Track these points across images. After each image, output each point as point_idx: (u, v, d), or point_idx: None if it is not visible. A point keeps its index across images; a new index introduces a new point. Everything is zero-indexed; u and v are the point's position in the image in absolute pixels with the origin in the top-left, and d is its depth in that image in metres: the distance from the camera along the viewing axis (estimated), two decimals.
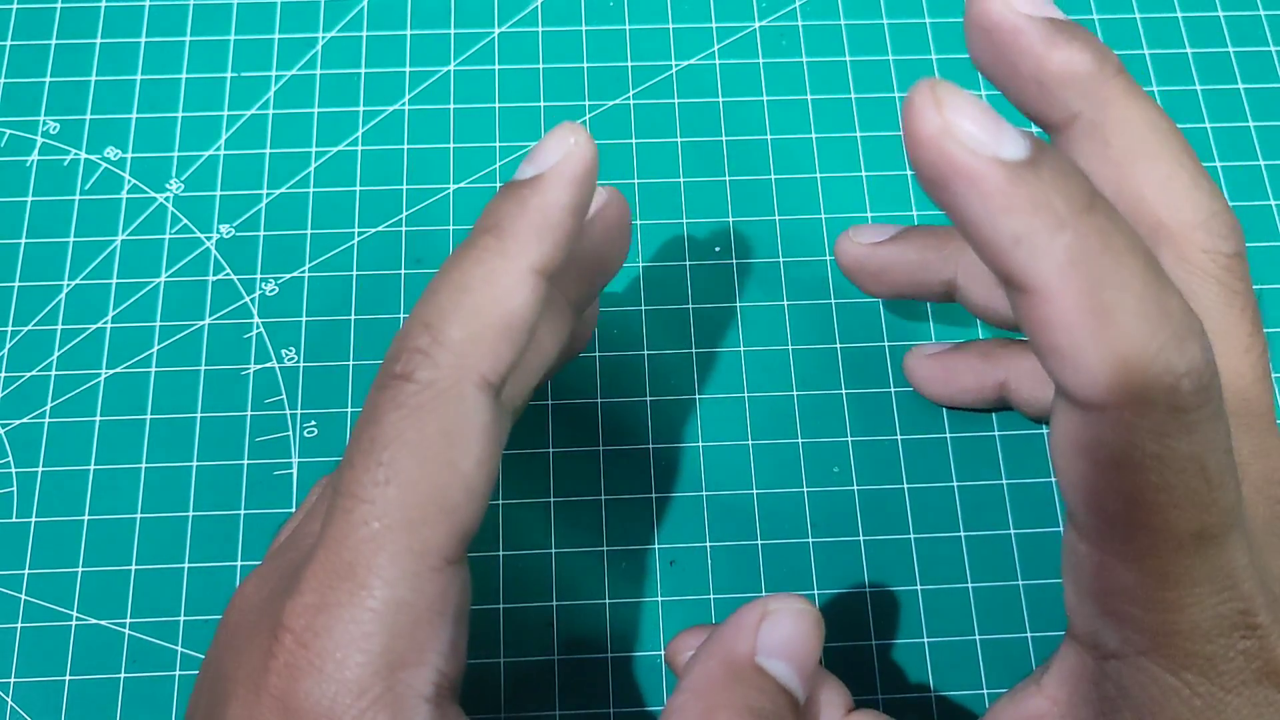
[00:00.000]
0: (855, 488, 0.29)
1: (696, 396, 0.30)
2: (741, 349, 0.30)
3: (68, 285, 0.31)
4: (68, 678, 0.27)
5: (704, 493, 0.29)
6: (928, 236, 0.27)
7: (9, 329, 0.30)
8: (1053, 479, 0.29)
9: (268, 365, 0.30)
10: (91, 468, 0.29)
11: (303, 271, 0.31)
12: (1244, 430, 0.21)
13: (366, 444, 0.19)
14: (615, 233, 0.23)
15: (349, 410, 0.29)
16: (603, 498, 0.29)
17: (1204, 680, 0.18)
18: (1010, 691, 0.21)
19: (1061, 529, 0.28)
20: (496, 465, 0.20)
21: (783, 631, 0.21)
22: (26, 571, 0.28)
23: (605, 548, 0.28)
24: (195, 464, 0.29)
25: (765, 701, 0.20)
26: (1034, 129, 0.25)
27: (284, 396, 0.30)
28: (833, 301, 0.31)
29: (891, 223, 0.30)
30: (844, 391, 0.30)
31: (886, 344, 0.30)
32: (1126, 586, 0.18)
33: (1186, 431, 0.16)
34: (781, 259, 0.31)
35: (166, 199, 0.32)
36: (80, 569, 0.28)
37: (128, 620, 0.27)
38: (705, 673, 0.20)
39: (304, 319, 0.30)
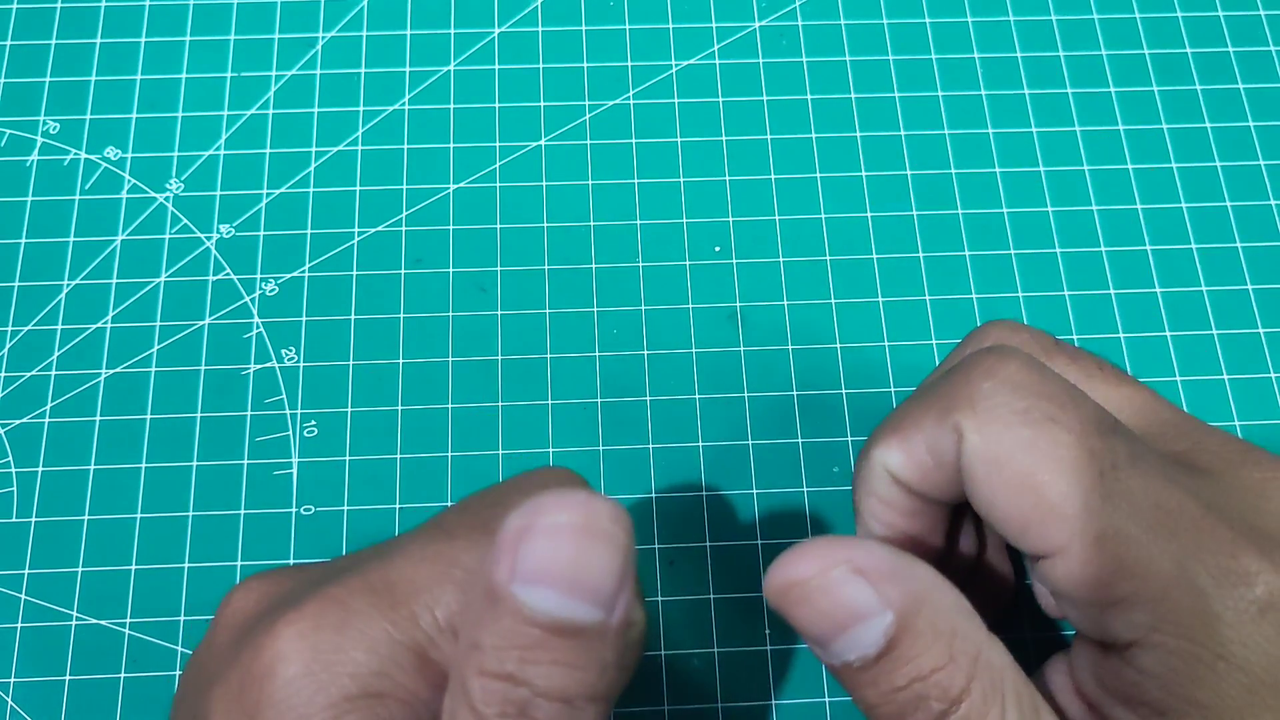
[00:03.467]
0: None
1: (696, 396, 0.30)
2: (741, 349, 0.30)
3: (68, 285, 0.31)
4: (68, 678, 0.27)
5: (704, 493, 0.29)
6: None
7: (9, 329, 0.30)
8: None
9: (268, 365, 0.30)
10: (91, 468, 0.29)
11: (303, 271, 0.31)
12: (1160, 424, 0.22)
13: (489, 503, 0.20)
14: None
15: (349, 410, 0.29)
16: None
17: (1216, 638, 0.18)
18: (1038, 673, 0.22)
19: None
20: None
21: (537, 552, 0.17)
22: (26, 571, 0.28)
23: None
24: (195, 464, 0.29)
25: (514, 636, 0.17)
26: None
27: (284, 396, 0.30)
28: (833, 302, 0.31)
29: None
30: (844, 391, 0.30)
31: (886, 344, 0.30)
32: (1089, 574, 0.19)
33: (1006, 401, 0.20)
34: (781, 259, 0.31)
35: (166, 199, 0.32)
36: (80, 569, 0.28)
37: (128, 620, 0.27)
38: (472, 602, 0.18)
39: (304, 319, 0.30)
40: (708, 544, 0.28)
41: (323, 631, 0.18)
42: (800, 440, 0.29)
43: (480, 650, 0.17)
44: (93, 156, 0.32)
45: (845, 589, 0.18)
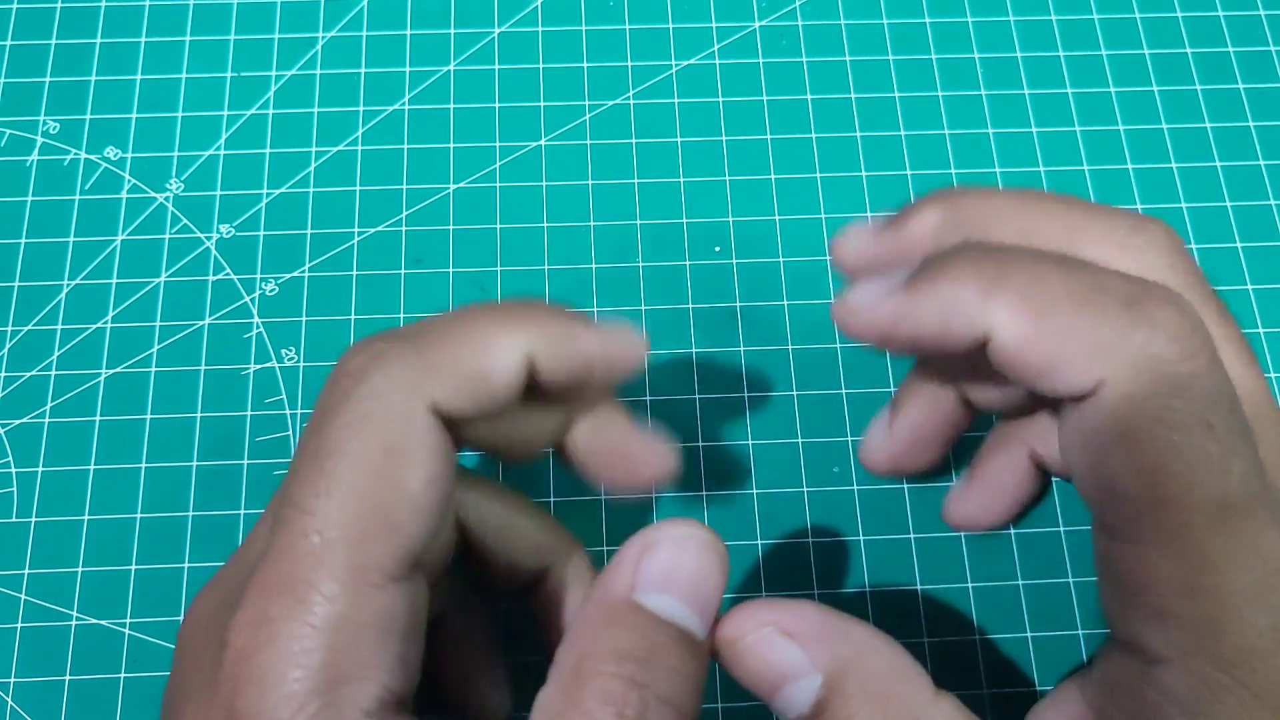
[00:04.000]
0: (855, 488, 0.29)
1: (696, 396, 0.30)
2: (741, 349, 0.30)
3: (68, 285, 0.31)
4: (68, 678, 0.27)
5: (704, 493, 0.29)
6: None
7: (9, 329, 0.30)
8: (1054, 480, 0.29)
9: (268, 365, 0.30)
10: (91, 468, 0.29)
11: (303, 271, 0.31)
12: (1261, 423, 0.20)
13: (310, 453, 0.19)
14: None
15: None
16: (603, 497, 0.29)
17: (1256, 677, 0.17)
18: (1050, 695, 0.21)
19: (1062, 529, 0.28)
20: (448, 487, 0.20)
21: (663, 562, 0.19)
22: (26, 571, 0.28)
23: (605, 547, 0.28)
24: (195, 464, 0.29)
25: (637, 641, 0.18)
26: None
27: (284, 396, 0.30)
28: (832, 302, 0.31)
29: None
30: (844, 391, 0.30)
31: None
32: (1163, 577, 0.18)
33: (1180, 390, 0.17)
34: (781, 259, 0.31)
35: (166, 199, 0.32)
36: (80, 569, 0.28)
37: (128, 620, 0.27)
38: (584, 617, 0.19)
39: (304, 319, 0.30)
40: None
41: (260, 652, 0.18)
42: (800, 440, 0.29)
43: (598, 656, 0.18)
44: (93, 156, 0.32)
45: (773, 650, 0.19)
